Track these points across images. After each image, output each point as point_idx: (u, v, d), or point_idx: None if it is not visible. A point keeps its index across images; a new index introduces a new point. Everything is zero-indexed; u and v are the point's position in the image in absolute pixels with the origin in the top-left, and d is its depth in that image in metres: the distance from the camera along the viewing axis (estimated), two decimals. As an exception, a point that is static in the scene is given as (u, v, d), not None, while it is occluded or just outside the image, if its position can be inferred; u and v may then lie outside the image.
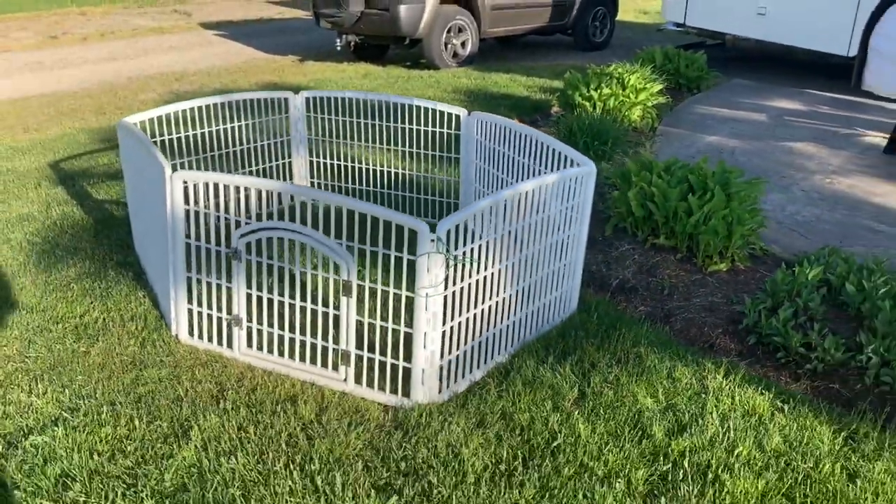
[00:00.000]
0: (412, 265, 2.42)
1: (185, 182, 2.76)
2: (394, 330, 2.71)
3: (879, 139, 5.98)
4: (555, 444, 2.38)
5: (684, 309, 3.37)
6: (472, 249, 2.48)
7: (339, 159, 4.42)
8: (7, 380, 2.68)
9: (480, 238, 2.56)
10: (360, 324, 2.79)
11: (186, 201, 2.83)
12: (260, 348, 2.82)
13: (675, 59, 7.72)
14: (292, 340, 2.77)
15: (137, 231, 3.58)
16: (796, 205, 4.61)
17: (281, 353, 2.79)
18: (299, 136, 4.31)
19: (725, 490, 2.21)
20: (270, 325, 2.83)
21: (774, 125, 6.44)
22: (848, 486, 2.24)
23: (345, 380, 2.66)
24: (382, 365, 2.65)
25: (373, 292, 3.02)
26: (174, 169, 2.83)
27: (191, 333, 2.94)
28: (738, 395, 2.65)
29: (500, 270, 2.69)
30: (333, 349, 2.67)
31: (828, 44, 8.04)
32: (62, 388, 2.62)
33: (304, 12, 15.48)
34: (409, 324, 2.53)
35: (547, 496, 2.17)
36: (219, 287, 2.94)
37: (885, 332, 2.91)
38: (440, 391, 2.61)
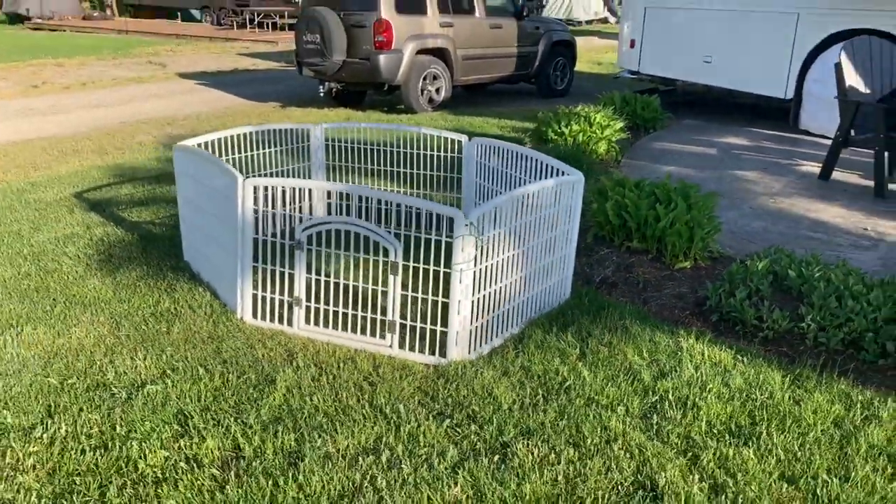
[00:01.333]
0: (440, 248, 3.05)
1: (255, 187, 3.36)
2: (432, 301, 3.32)
3: (814, 168, 6.84)
4: (566, 384, 3.00)
5: (658, 297, 4.05)
6: (493, 235, 3.13)
7: (355, 180, 5.06)
8: (109, 350, 3.22)
9: (499, 226, 3.21)
10: (403, 297, 3.39)
11: (255, 203, 3.43)
12: (317, 323, 3.40)
13: (632, 102, 8.57)
14: (345, 315, 3.37)
15: (191, 240, 4.14)
16: (746, 219, 5.37)
17: (335, 326, 3.37)
18: (318, 162, 4.94)
19: (702, 412, 2.85)
20: (326, 303, 3.41)
21: (724, 157, 7.28)
22: (794, 407, 2.90)
23: (391, 346, 3.26)
24: (422, 331, 3.25)
25: (414, 270, 3.62)
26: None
27: (255, 315, 3.51)
28: (706, 352, 3.32)
29: (512, 255, 3.34)
30: (381, 320, 3.27)
31: (767, 88, 9.01)
32: (159, 355, 3.16)
33: (277, 64, 16.22)
34: (446, 294, 3.15)
35: (565, 418, 2.78)
36: (281, 274, 3.52)
37: (821, 305, 3.61)
38: (469, 352, 3.21)
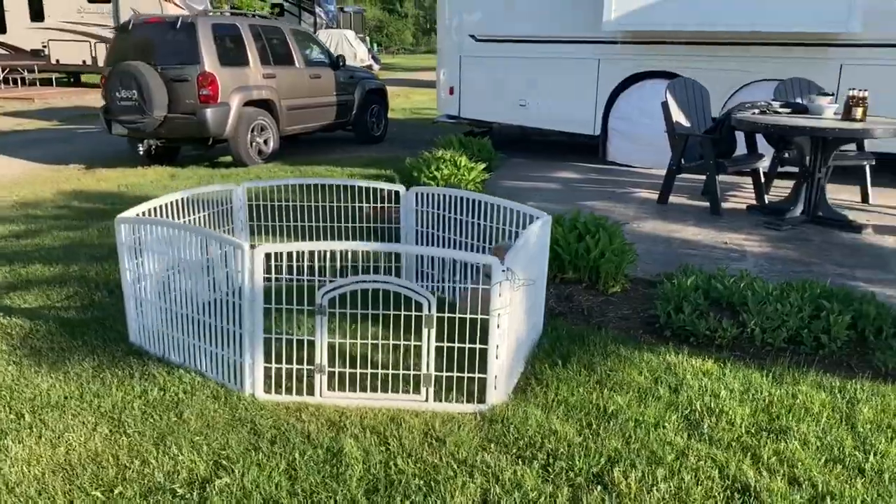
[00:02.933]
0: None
1: (267, 254, 3.21)
2: (458, 349, 3.36)
3: (650, 194, 7.72)
4: (609, 411, 3.21)
5: (607, 321, 4.40)
6: (524, 279, 3.28)
7: (283, 239, 4.90)
8: (132, 450, 2.88)
9: (521, 269, 3.36)
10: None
11: (266, 272, 3.26)
12: (341, 388, 3.30)
13: (468, 145, 9.06)
14: (374, 375, 3.30)
15: (146, 319, 3.79)
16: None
17: (363, 388, 3.30)
18: (240, 224, 4.73)
19: (731, 416, 3.20)
20: (352, 366, 3.33)
21: (569, 190, 7.96)
22: (794, 400, 3.35)
23: (426, 399, 3.26)
24: (448, 380, 3.28)
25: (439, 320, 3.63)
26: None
27: (267, 390, 3.32)
28: (694, 364, 3.70)
29: (521, 295, 3.50)
30: (414, 375, 3.27)
31: (579, 126, 9.98)
32: (194, 446, 2.89)
33: (49, 123, 14.83)
34: (472, 341, 3.23)
35: (631, 441, 2.99)
36: (299, 342, 3.37)
37: (758, 311, 4.17)
38: (504, 395, 3.32)
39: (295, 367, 3.32)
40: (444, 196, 4.59)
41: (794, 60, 8.65)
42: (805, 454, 2.91)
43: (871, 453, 2.92)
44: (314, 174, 8.73)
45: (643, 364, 3.69)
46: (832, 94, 6.80)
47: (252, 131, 9.64)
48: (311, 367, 3.29)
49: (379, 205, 4.99)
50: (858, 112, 6.36)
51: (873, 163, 7.30)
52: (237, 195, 4.67)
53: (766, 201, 7.26)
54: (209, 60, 9.14)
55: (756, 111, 6.92)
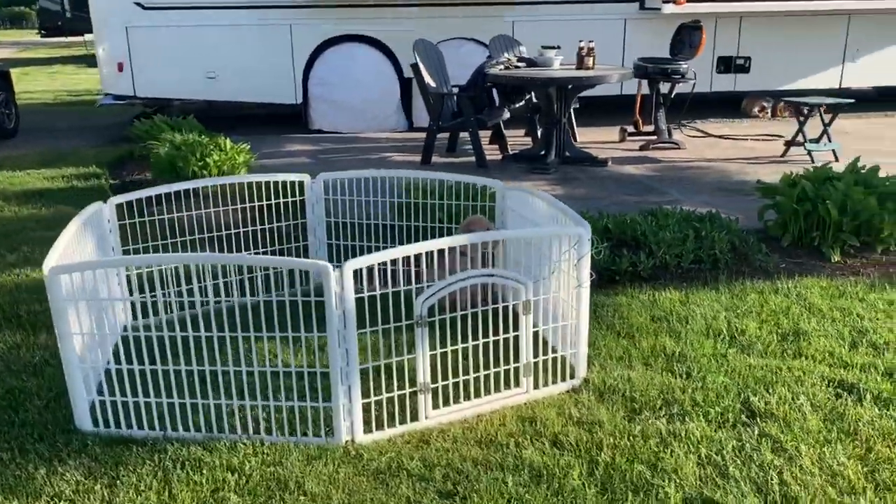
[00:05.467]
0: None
1: (357, 270, 2.64)
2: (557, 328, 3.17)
3: (403, 157, 7.82)
4: (669, 351, 3.39)
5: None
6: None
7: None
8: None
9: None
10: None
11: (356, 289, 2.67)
12: (446, 404, 2.91)
13: (178, 126, 8.06)
14: (476, 380, 2.97)
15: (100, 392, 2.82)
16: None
17: (467, 397, 2.95)
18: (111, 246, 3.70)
19: (745, 331, 3.62)
20: (455, 376, 2.93)
21: (323, 162, 7.65)
22: (684, 307, 3.91)
23: (527, 391, 3.06)
24: (553, 361, 3.12)
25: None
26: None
27: (367, 430, 2.77)
28: (668, 298, 4.05)
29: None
30: (515, 368, 3.03)
31: (279, 96, 9.54)
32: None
33: None
34: (574, 317, 3.12)
35: (712, 367, 3.22)
36: (399, 365, 2.83)
37: (656, 242, 4.66)
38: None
39: (396, 394, 2.82)
40: (353, 180, 4.18)
41: (478, 20, 9.41)
42: (831, 343, 3.47)
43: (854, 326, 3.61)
44: (10, 182, 6.96)
45: (634, 304, 3.91)
46: (558, 47, 7.62)
47: None
48: (413, 390, 2.83)
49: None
50: (590, 61, 7.27)
51: (577, 106, 8.41)
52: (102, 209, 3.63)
53: (509, 150, 7.92)
54: None
55: (501, 67, 7.44)
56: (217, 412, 2.81)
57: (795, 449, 2.67)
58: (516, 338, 3.00)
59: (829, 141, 7.51)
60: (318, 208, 4.16)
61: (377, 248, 4.30)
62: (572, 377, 3.17)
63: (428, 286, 2.77)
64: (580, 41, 7.32)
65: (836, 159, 7.44)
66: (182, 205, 4.04)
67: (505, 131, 8.02)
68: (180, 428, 2.80)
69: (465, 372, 2.96)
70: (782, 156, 7.74)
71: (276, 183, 4.02)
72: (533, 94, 7.89)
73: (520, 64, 7.56)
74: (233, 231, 4.06)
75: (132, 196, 3.69)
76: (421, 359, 2.80)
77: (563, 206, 3.36)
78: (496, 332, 2.96)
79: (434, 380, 2.88)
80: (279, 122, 10.03)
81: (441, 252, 2.76)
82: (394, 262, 2.71)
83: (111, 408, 2.83)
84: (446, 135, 7.96)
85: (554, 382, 3.12)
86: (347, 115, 9.54)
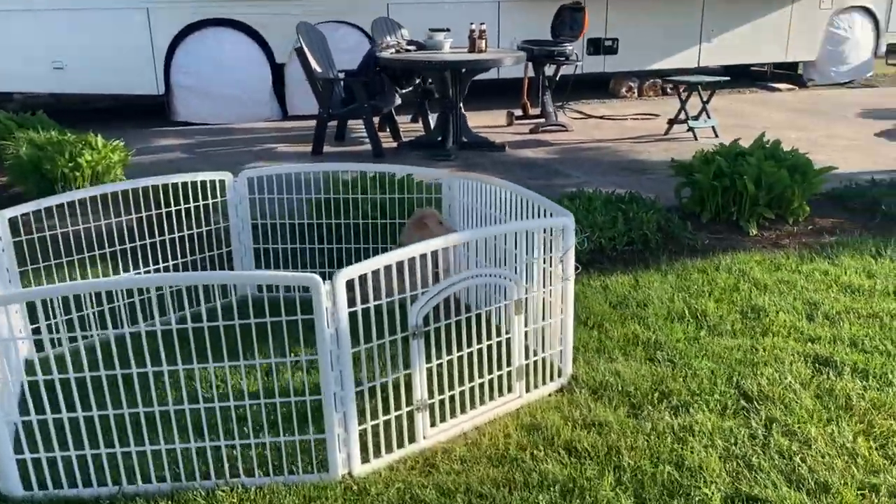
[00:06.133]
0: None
1: (350, 280, 2.30)
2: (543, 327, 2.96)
3: (288, 147, 7.36)
4: (638, 334, 3.29)
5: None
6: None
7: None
8: None
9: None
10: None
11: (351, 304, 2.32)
12: (442, 420, 2.63)
13: (25, 122, 7.16)
14: (472, 390, 2.71)
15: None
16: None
17: (462, 410, 2.69)
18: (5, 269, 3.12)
19: (705, 312, 3.59)
20: (451, 388, 2.65)
21: (205, 157, 7.04)
22: (637, 291, 3.91)
23: (520, 395, 2.84)
24: (543, 361, 2.91)
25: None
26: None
27: (365, 459, 2.44)
28: (618, 282, 3.96)
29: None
30: (507, 372, 2.80)
31: (137, 86, 8.73)
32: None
33: None
34: (560, 312, 2.93)
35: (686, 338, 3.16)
36: (395, 384, 2.51)
37: (590, 225, 4.57)
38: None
39: (394, 415, 2.51)
40: (280, 176, 3.79)
41: (352, 2, 9.02)
42: (790, 318, 3.50)
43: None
44: None
45: (588, 291, 3.79)
46: (447, 30, 7.39)
47: None
48: (409, 409, 2.53)
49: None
50: (482, 44, 7.11)
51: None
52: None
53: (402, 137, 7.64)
54: None
55: (392, 51, 7.13)
56: (184, 456, 2.39)
57: (805, 432, 2.62)
58: (507, 340, 2.77)
59: (709, 118, 7.78)
60: (242, 209, 3.72)
61: (310, 251, 3.93)
62: (559, 376, 2.98)
63: (423, 293, 2.48)
64: (471, 24, 7.14)
65: (716, 135, 7.74)
66: (78, 214, 3.48)
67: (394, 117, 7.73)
68: (139, 479, 2.36)
69: (459, 383, 2.69)
70: (665, 133, 7.96)
71: (183, 184, 3.54)
72: (423, 78, 7.64)
73: (410, 47, 7.28)
74: (148, 241, 3.54)
75: (27, 208, 3.12)
76: (418, 374, 2.51)
77: (533, 193, 3.16)
78: (488, 337, 2.71)
79: (429, 395, 2.59)
80: (138, 115, 9.18)
81: (423, 256, 2.47)
82: (387, 268, 2.39)
83: (46, 465, 2.33)
84: (333, 122, 7.55)
85: (544, 383, 2.92)
86: (216, 105, 8.88)
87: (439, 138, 7.14)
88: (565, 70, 8.45)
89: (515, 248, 2.75)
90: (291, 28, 8.73)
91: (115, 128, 8.27)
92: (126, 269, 3.52)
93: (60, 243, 3.28)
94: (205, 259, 3.69)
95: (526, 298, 2.77)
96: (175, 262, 3.61)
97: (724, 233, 4.87)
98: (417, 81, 7.67)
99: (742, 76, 11.85)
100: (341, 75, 7.40)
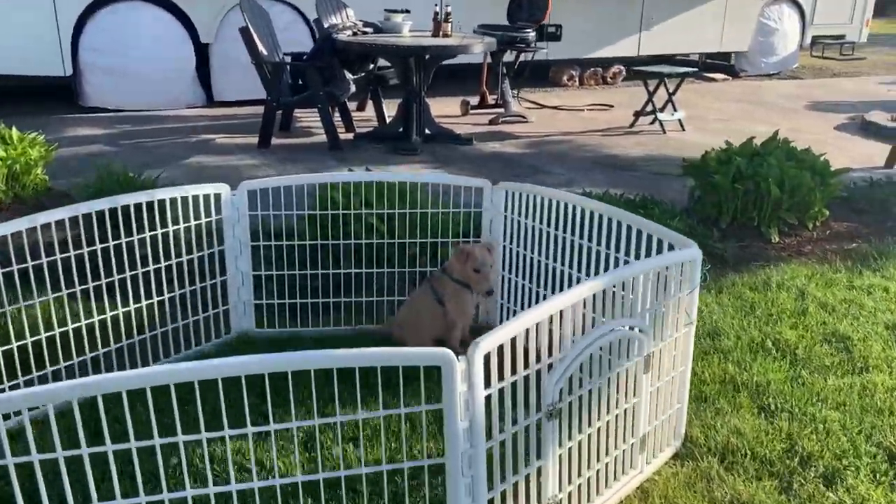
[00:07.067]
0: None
1: (488, 353, 1.67)
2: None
3: (228, 139, 6.50)
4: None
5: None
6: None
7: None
8: None
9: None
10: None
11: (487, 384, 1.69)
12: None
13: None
14: (597, 474, 2.13)
15: None
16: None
17: (589, 499, 2.11)
18: None
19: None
20: (579, 474, 2.05)
21: (136, 150, 6.10)
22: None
23: (640, 470, 2.30)
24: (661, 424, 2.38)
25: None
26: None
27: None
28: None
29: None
30: (632, 444, 2.24)
31: (43, 67, 7.59)
32: None
33: None
34: (680, 363, 2.39)
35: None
36: (526, 480, 1.88)
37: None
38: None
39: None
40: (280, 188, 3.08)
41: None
42: (878, 346, 3.11)
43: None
44: None
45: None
46: (406, 11, 6.70)
47: None
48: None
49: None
50: (448, 27, 6.48)
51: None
52: None
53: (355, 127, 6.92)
54: None
55: (349, 33, 6.40)
56: None
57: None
58: (634, 406, 2.21)
59: (675, 110, 7.46)
60: (241, 229, 2.98)
61: (325, 277, 3.23)
62: (675, 438, 2.45)
63: (560, 360, 1.88)
64: (436, 5, 6.51)
65: (683, 128, 7.43)
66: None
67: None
68: None
69: (587, 466, 2.11)
70: (631, 126, 7.58)
71: (172, 200, 2.77)
72: (376, 63, 6.94)
73: (367, 29, 6.55)
74: (128, 273, 2.75)
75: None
76: (550, 464, 1.91)
77: (621, 210, 2.61)
78: (615, 404, 2.14)
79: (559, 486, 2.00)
80: (38, 98, 8.02)
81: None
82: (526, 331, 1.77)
83: None
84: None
85: (661, 450, 2.39)
86: (133, 90, 7.84)
87: (401, 129, 6.47)
88: (522, 57, 7.93)
89: (637, 289, 2.17)
90: (218, 3, 7.83)
91: (15, 114, 7.14)
92: (97, 309, 2.71)
93: (17, 278, 2.46)
94: (195, 293, 2.93)
95: (653, 353, 2.21)
96: (161, 298, 2.84)
97: (747, 239, 4.48)
98: (371, 67, 6.95)
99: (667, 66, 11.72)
100: (287, 59, 6.58)
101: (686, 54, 11.89)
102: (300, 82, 6.65)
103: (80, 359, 2.62)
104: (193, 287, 2.91)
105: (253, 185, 2.97)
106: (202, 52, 8.06)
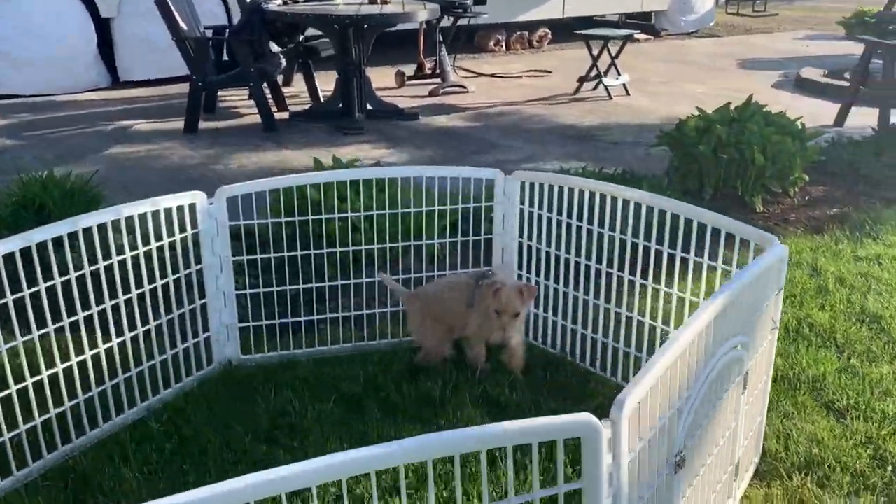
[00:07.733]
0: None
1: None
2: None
3: (148, 124, 5.86)
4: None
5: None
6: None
7: None
8: None
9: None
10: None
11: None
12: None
13: None
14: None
15: None
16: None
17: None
18: None
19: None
20: None
21: (48, 142, 5.40)
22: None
23: (733, 497, 2.02)
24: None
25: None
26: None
27: None
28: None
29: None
30: (730, 472, 1.96)
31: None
32: None
33: None
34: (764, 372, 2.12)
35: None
36: None
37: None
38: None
39: None
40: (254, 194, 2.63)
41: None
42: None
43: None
44: None
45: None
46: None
47: None
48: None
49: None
50: (385, -6, 6.00)
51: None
52: None
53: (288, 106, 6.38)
54: None
55: (279, 2, 5.83)
56: None
57: None
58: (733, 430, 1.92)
59: (619, 74, 7.25)
60: (221, 243, 2.52)
61: (321, 291, 2.79)
62: (755, 455, 2.20)
63: (686, 399, 1.56)
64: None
65: (627, 93, 7.24)
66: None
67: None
68: None
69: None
70: (575, 93, 7.32)
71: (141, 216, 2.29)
72: (306, 34, 6.40)
73: (299, -2, 6.01)
74: (95, 310, 2.24)
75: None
76: (677, 520, 1.60)
77: (671, 200, 2.31)
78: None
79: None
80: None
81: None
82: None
83: None
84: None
85: (746, 471, 2.12)
86: (29, 74, 7.00)
87: (340, 105, 5.99)
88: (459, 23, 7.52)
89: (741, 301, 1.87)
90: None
91: None
92: (59, 355, 2.20)
93: None
94: (172, 322, 2.45)
95: (750, 368, 1.93)
96: (117, 339, 2.35)
97: (730, 210, 4.28)
98: (300, 39, 6.40)
99: (593, 27, 11.55)
100: (209, 33, 5.97)
101: (602, 15, 11.72)
102: (224, 59, 6.07)
103: (44, 417, 2.12)
104: (170, 315, 2.43)
105: (233, 190, 2.50)
106: (104, 29, 7.28)
